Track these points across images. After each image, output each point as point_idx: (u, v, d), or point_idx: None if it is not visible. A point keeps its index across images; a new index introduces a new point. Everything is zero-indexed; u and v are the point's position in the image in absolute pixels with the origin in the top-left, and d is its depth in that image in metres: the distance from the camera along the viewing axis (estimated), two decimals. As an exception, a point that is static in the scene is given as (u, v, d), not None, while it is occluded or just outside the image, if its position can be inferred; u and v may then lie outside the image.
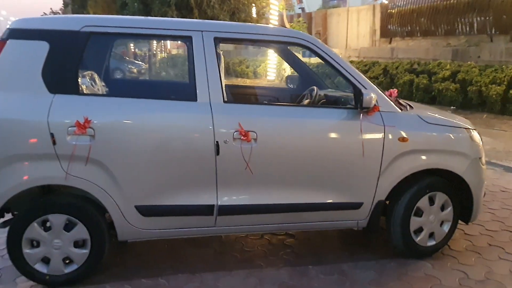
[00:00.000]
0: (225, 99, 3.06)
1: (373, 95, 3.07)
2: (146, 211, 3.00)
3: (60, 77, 2.86)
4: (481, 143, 3.53)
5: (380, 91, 3.29)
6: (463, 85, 10.83)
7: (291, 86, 4.60)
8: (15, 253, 2.91)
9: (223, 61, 3.93)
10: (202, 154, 2.99)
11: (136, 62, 16.22)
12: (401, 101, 3.80)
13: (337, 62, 3.24)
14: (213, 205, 3.06)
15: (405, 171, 3.28)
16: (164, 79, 3.36)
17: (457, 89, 10.84)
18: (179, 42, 3.20)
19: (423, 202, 3.36)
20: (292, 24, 22.19)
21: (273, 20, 20.35)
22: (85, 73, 3.32)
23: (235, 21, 13.98)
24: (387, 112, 3.25)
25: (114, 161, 2.89)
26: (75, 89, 2.89)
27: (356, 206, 3.27)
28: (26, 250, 2.91)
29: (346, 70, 3.23)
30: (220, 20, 12.97)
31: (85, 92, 3.00)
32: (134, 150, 2.91)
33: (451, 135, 3.36)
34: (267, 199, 3.14)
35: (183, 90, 3.22)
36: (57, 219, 2.92)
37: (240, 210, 3.12)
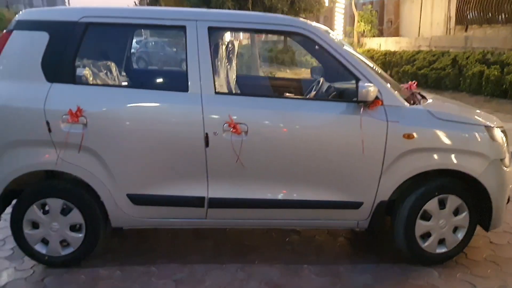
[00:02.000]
0: (217, 90, 3.00)
1: (371, 88, 2.85)
2: (138, 199, 3.04)
3: (57, 66, 2.95)
4: (505, 143, 3.16)
5: (384, 84, 3.04)
6: (539, 78, 9.82)
7: (315, 77, 4.41)
8: (17, 233, 3.08)
9: (235, 51, 3.87)
10: (192, 145, 2.96)
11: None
12: (421, 94, 3.52)
13: (339, 54, 3.05)
14: (204, 197, 3.04)
15: (410, 171, 3.03)
16: (168, 70, 3.33)
17: (532, 82, 9.86)
18: (174, 31, 3.14)
19: (431, 205, 3.08)
20: (360, 12, 21.48)
21: (339, 8, 19.89)
22: (100, 63, 3.41)
23: (295, 10, 13.71)
24: (392, 106, 3.01)
25: (106, 150, 2.95)
26: (71, 78, 2.98)
27: (356, 205, 3.08)
28: (27, 231, 3.07)
29: (349, 62, 3.04)
30: (278, 10, 12.85)
31: (83, 81, 3.06)
32: (125, 139, 2.95)
33: (465, 133, 3.04)
34: (260, 194, 3.05)
35: (177, 81, 3.20)
36: (55, 203, 3.04)
37: (231, 203, 3.07)
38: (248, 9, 12.23)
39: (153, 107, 2.97)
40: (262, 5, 12.75)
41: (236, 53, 4.02)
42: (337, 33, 19.70)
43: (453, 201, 3.10)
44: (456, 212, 3.15)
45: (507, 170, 3.15)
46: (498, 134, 3.12)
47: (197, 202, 3.05)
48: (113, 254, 3.35)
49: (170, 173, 3.02)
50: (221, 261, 3.25)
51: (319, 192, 3.06)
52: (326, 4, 19.77)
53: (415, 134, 2.98)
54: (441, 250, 3.19)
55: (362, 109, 2.96)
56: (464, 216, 3.15)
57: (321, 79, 3.55)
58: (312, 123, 3.01)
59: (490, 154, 3.06)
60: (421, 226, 3.11)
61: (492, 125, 3.12)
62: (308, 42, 3.17)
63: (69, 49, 2.97)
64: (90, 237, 3.11)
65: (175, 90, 3.03)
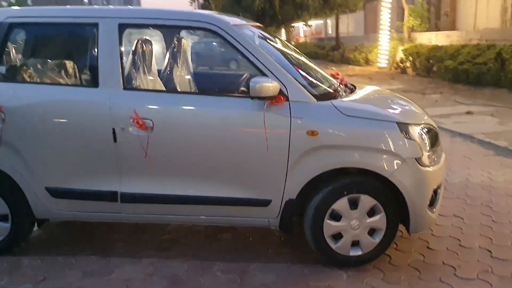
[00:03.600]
0: (125, 86, 3.06)
1: (267, 84, 2.78)
2: (56, 192, 3.18)
3: None
4: (425, 141, 2.94)
5: (291, 80, 2.95)
6: None
7: None
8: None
9: (182, 49, 3.89)
10: (101, 140, 3.05)
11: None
12: (351, 86, 3.39)
13: (246, 49, 2.99)
14: (116, 191, 3.11)
15: (316, 169, 2.92)
16: (86, 66, 3.32)
17: None
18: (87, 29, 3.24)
19: (340, 205, 2.94)
20: (411, 6, 20.57)
21: (385, 3, 19.19)
22: (27, 60, 3.55)
23: (329, 6, 13.45)
24: (298, 102, 2.91)
25: (23, 144, 3.11)
26: None
27: (264, 203, 3.02)
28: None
29: (256, 58, 2.98)
30: (309, 6, 12.67)
31: (4, 78, 3.23)
32: (40, 133, 3.09)
33: (373, 129, 2.87)
34: (170, 190, 3.08)
35: (88, 77, 3.31)
36: None
37: (142, 198, 3.12)
38: (275, 7, 12.19)
39: (65, 103, 3.10)
40: (293, 2, 12.61)
41: (185, 51, 4.03)
42: (385, 28, 19.05)
43: (365, 201, 2.94)
44: (373, 213, 2.98)
45: (427, 170, 2.93)
46: (414, 131, 2.90)
47: (110, 196, 3.13)
48: (36, 244, 3.54)
49: (84, 168, 3.13)
50: (141, 255, 3.29)
51: (228, 189, 3.03)
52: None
53: (319, 131, 2.86)
54: (356, 252, 3.03)
55: (266, 105, 2.89)
56: (380, 217, 2.97)
57: (246, 74, 3.49)
58: (217, 119, 3.00)
59: (402, 152, 2.86)
60: (330, 226, 2.97)
61: (407, 122, 2.92)
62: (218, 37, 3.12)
63: None
64: (16, 227, 3.28)
65: (88, 86, 3.14)
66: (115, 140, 3.02)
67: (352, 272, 2.99)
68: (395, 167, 2.86)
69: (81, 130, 3.06)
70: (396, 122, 2.89)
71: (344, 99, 3.11)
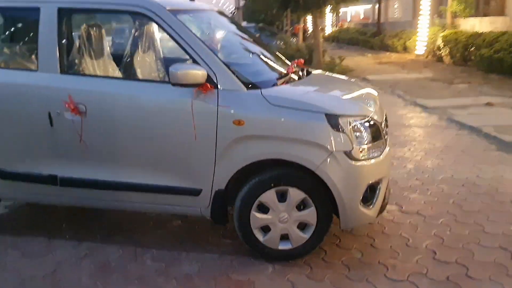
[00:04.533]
0: (63, 70, 3.09)
1: (195, 71, 2.75)
2: (2, 174, 3.27)
3: None
4: (361, 134, 2.78)
5: (222, 68, 2.87)
6: None
7: None
8: None
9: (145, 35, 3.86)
10: (39, 124, 3.10)
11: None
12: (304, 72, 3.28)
13: (180, 36, 2.93)
14: (56, 175, 3.16)
15: (243, 159, 2.84)
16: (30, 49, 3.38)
17: None
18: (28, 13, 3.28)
19: (268, 197, 2.85)
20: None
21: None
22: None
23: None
24: (226, 90, 2.83)
25: None
26: None
27: (194, 192, 2.97)
28: None
29: (188, 44, 2.92)
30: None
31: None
32: None
33: (299, 120, 2.74)
34: (104, 176, 3.10)
35: (29, 60, 3.34)
36: None
37: (80, 183, 3.15)
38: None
39: (6, 86, 3.15)
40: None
41: (150, 37, 3.99)
42: (424, 13, 18.21)
43: (294, 194, 2.83)
44: (303, 207, 2.87)
45: (359, 164, 2.77)
46: (345, 124, 2.74)
47: (51, 180, 3.18)
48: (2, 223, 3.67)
49: (26, 151, 3.20)
50: (85, 239, 3.34)
51: (160, 177, 3.02)
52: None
53: (245, 121, 2.77)
54: (286, 246, 2.93)
55: (194, 93, 2.83)
56: (309, 211, 2.85)
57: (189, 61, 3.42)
58: (147, 106, 2.97)
59: (330, 145, 2.71)
60: (257, 218, 2.89)
61: (337, 114, 2.75)
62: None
63: None
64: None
65: (28, 69, 3.20)
66: (51, 124, 3.06)
67: (279, 266, 2.90)
68: (322, 160, 2.73)
69: (21, 113, 3.13)
70: (325, 114, 2.74)
71: (277, 88, 2.99)
